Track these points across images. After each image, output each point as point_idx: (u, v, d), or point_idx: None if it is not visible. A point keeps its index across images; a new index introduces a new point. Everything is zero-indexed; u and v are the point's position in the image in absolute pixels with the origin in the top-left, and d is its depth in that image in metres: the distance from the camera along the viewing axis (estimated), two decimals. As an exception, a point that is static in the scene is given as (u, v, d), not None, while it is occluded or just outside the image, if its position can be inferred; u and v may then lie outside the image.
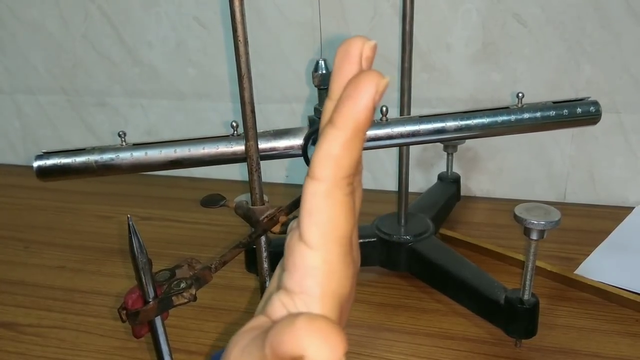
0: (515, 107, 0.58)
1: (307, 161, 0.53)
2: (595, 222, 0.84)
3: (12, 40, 1.06)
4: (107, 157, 0.54)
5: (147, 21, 0.98)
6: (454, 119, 0.56)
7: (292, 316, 0.23)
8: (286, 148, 0.55)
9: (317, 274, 0.25)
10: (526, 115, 0.57)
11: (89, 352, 0.63)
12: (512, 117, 0.57)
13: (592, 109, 0.58)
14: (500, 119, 0.57)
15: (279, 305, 0.26)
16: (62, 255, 0.82)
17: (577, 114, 0.58)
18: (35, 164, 0.55)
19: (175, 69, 1.00)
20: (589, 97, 0.60)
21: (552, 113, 0.57)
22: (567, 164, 0.89)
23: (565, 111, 0.58)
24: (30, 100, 1.10)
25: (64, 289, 0.74)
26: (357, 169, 0.26)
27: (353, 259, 0.27)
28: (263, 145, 0.54)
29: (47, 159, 0.55)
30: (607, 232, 0.80)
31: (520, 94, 0.58)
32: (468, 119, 0.56)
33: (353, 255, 0.27)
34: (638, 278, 0.68)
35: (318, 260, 0.25)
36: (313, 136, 0.52)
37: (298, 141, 0.54)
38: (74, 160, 0.54)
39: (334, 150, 0.24)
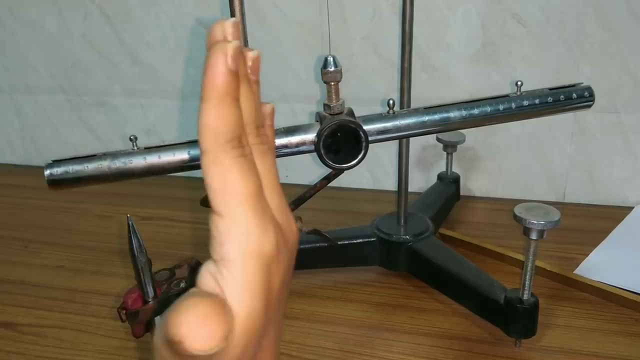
0: (514, 94, 0.60)
1: (321, 157, 0.53)
2: (594, 221, 0.84)
3: (12, 39, 1.06)
4: (119, 162, 0.53)
5: (146, 21, 0.98)
6: (458, 109, 0.57)
7: (178, 301, 0.24)
8: (298, 144, 0.54)
9: (230, 239, 0.26)
10: (525, 102, 0.60)
11: (88, 352, 0.63)
12: (513, 105, 0.59)
13: (586, 93, 0.62)
14: (501, 106, 0.59)
15: (207, 276, 0.27)
16: (61, 255, 0.82)
17: (573, 98, 0.61)
18: (47, 172, 0.53)
19: (175, 68, 1.00)
20: (581, 83, 0.63)
21: (550, 99, 0.60)
22: (567, 163, 0.89)
23: (562, 96, 0.61)
24: (29, 99, 1.10)
25: (64, 289, 0.74)
26: (253, 128, 0.27)
27: (271, 216, 0.27)
28: (275, 142, 0.54)
29: (58, 167, 0.53)
30: (606, 232, 0.80)
31: (519, 82, 0.61)
32: (471, 108, 0.58)
33: (271, 212, 0.28)
34: (638, 278, 0.68)
35: (227, 225, 0.26)
36: (326, 132, 0.52)
37: (309, 137, 0.54)
38: (85, 167, 0.53)
39: (206, 120, 0.25)
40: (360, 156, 0.53)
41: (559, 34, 0.83)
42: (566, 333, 0.62)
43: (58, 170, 0.52)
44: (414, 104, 0.69)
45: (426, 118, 0.57)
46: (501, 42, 0.85)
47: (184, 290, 0.43)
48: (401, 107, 0.69)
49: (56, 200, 0.98)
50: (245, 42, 0.48)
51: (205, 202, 0.54)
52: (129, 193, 0.98)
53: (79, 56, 1.04)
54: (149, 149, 0.53)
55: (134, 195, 0.98)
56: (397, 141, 0.74)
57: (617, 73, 0.83)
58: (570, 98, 0.61)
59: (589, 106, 0.62)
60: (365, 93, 0.91)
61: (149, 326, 0.44)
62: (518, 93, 0.60)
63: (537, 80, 0.85)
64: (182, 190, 0.99)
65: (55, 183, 0.53)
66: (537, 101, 0.60)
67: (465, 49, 0.87)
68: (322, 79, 0.51)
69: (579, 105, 0.61)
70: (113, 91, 1.05)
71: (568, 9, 0.81)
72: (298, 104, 0.96)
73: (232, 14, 0.46)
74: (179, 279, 0.44)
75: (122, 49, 1.01)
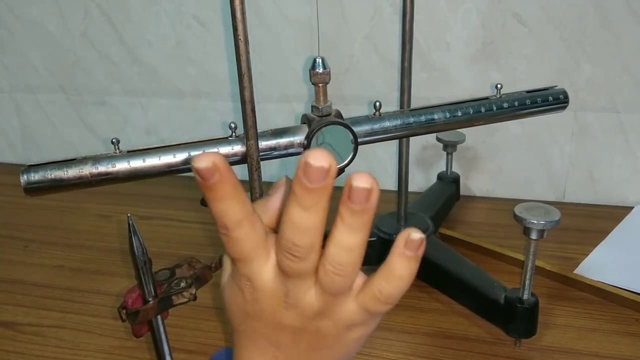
0: (494, 97, 0.62)
1: None
2: (594, 221, 0.84)
3: (12, 38, 1.06)
4: (102, 167, 0.51)
5: (146, 20, 0.98)
6: (442, 111, 0.59)
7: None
8: (286, 146, 0.54)
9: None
10: (505, 105, 0.62)
11: (88, 352, 0.63)
12: (494, 107, 0.61)
13: (561, 96, 0.64)
14: (483, 108, 0.61)
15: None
16: (61, 255, 0.82)
17: (550, 101, 0.64)
18: (23, 178, 0.50)
19: (175, 67, 1.00)
20: (556, 86, 0.65)
21: (528, 101, 0.63)
22: (567, 163, 0.89)
23: (539, 99, 0.63)
24: (29, 99, 1.10)
25: (64, 288, 0.74)
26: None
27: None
28: (263, 144, 0.54)
29: (36, 172, 0.50)
30: (606, 232, 0.80)
31: (498, 85, 0.63)
32: (455, 110, 0.59)
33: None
34: (638, 278, 0.68)
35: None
36: (314, 134, 0.52)
37: (297, 139, 0.54)
38: (65, 173, 0.51)
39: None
40: (350, 157, 0.53)
41: (560, 34, 0.83)
42: (566, 333, 0.62)
43: (35, 176, 0.50)
44: (414, 104, 0.69)
45: (411, 119, 0.58)
46: (502, 41, 0.85)
47: (184, 290, 0.43)
48: (401, 106, 0.69)
49: (56, 199, 0.97)
50: (246, 42, 0.48)
51: (205, 202, 0.54)
52: (128, 192, 0.98)
53: (79, 55, 1.04)
54: (133, 152, 0.52)
55: (134, 194, 0.98)
56: (397, 141, 0.74)
57: (618, 73, 0.83)
58: (547, 100, 0.63)
59: (564, 108, 0.65)
60: (366, 92, 0.91)
61: (150, 326, 0.44)
62: (498, 95, 0.62)
63: (537, 80, 0.85)
64: (182, 190, 0.99)
65: (33, 190, 0.50)
66: (516, 103, 0.62)
67: (465, 49, 0.87)
68: (311, 81, 0.51)
69: (554, 106, 0.64)
70: (113, 90, 1.05)
71: (569, 9, 0.81)
72: (298, 103, 0.96)
73: (233, 13, 0.46)
74: (179, 278, 0.44)
75: (122, 48, 1.01)
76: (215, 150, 0.53)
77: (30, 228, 0.90)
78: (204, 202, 0.57)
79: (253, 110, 0.50)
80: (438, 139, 0.84)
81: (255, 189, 0.51)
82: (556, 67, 0.84)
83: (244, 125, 0.52)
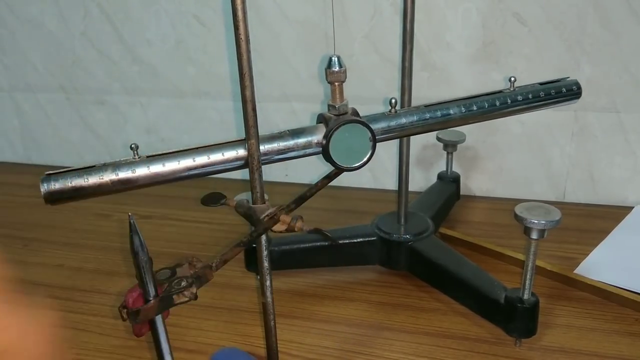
0: (508, 90, 0.62)
1: (330, 158, 0.53)
2: (594, 221, 0.84)
3: (11, 38, 1.06)
4: (122, 173, 0.51)
5: (146, 19, 0.98)
6: (458, 106, 0.59)
7: None
8: (304, 146, 0.54)
9: None
10: (520, 97, 0.62)
11: (88, 351, 0.63)
12: (508, 100, 0.62)
13: (574, 87, 0.65)
14: (498, 102, 0.61)
15: None
16: (61, 254, 0.82)
17: (563, 92, 0.64)
18: (43, 187, 0.50)
19: (175, 67, 1.00)
20: (568, 77, 0.66)
21: (542, 93, 0.63)
22: (567, 163, 0.89)
23: (552, 91, 0.64)
24: (29, 98, 1.10)
25: (64, 288, 0.74)
26: None
27: None
28: (281, 145, 0.54)
29: (56, 180, 0.49)
30: (606, 232, 0.80)
31: (512, 78, 0.63)
32: (470, 105, 0.59)
33: None
34: (638, 278, 0.68)
35: None
36: (332, 133, 0.52)
37: (315, 139, 0.54)
38: (85, 180, 0.51)
39: None
40: (368, 155, 0.53)
41: (560, 34, 0.83)
42: (566, 333, 0.62)
43: (56, 185, 0.49)
44: (414, 104, 0.69)
45: (428, 115, 0.58)
46: (502, 41, 0.85)
47: (185, 289, 0.43)
48: (402, 106, 0.69)
49: (56, 198, 0.98)
50: (247, 41, 0.47)
51: (206, 201, 0.54)
52: (128, 192, 0.98)
53: (78, 54, 1.04)
54: (152, 157, 0.52)
55: (133, 193, 0.97)
56: (398, 141, 0.74)
57: (618, 73, 0.83)
58: (560, 92, 0.64)
59: (578, 98, 0.65)
60: (366, 92, 0.91)
61: (150, 325, 0.44)
62: (512, 89, 0.62)
63: (537, 79, 0.85)
64: (182, 189, 0.99)
65: (54, 199, 0.50)
66: (530, 96, 0.62)
67: (466, 48, 0.87)
68: (327, 79, 0.51)
69: (568, 97, 0.65)
70: (113, 89, 1.05)
71: (568, 9, 0.81)
72: (298, 103, 0.96)
73: (234, 13, 0.46)
74: (180, 277, 0.44)
75: (122, 47, 1.01)
76: (234, 152, 0.53)
77: (30, 227, 0.90)
78: (204, 202, 0.57)
79: (254, 110, 0.50)
80: (438, 139, 0.84)
81: (256, 187, 0.51)
82: (556, 67, 0.84)
83: (244, 124, 0.52)
